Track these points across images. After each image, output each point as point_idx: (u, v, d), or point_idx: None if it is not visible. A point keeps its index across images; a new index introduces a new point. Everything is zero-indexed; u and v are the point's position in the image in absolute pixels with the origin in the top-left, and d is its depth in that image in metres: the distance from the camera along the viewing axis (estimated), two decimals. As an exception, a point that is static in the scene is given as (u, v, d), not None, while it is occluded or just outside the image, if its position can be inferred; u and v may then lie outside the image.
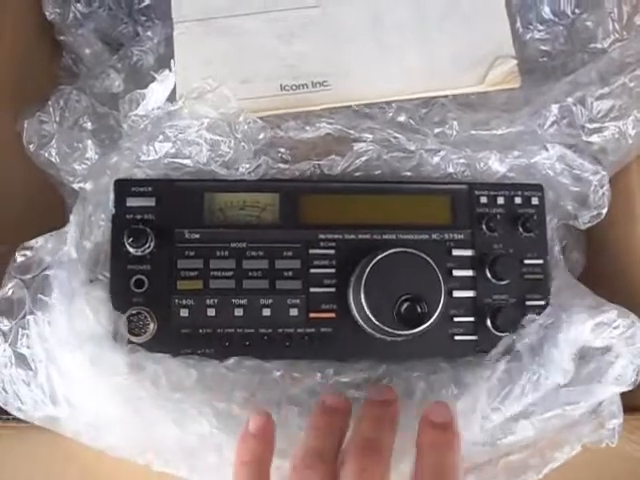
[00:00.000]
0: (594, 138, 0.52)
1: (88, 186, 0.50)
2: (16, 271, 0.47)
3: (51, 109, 0.54)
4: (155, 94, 0.49)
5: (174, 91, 0.51)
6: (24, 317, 0.46)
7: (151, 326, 0.47)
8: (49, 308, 0.45)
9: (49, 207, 0.56)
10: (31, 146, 0.53)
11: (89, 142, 0.53)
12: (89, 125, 0.54)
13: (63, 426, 0.45)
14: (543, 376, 0.45)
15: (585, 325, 0.46)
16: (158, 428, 0.44)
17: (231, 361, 0.46)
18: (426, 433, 0.40)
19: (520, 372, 0.46)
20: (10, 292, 0.47)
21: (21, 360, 0.45)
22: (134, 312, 0.47)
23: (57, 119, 0.54)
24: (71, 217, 0.49)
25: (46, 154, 0.53)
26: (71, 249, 0.47)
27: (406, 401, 0.46)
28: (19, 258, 0.48)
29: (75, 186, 0.53)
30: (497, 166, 0.52)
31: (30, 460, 0.50)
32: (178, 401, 0.44)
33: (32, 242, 0.48)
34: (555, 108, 0.52)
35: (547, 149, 0.52)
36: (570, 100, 0.51)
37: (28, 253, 0.48)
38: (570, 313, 0.47)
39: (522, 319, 0.49)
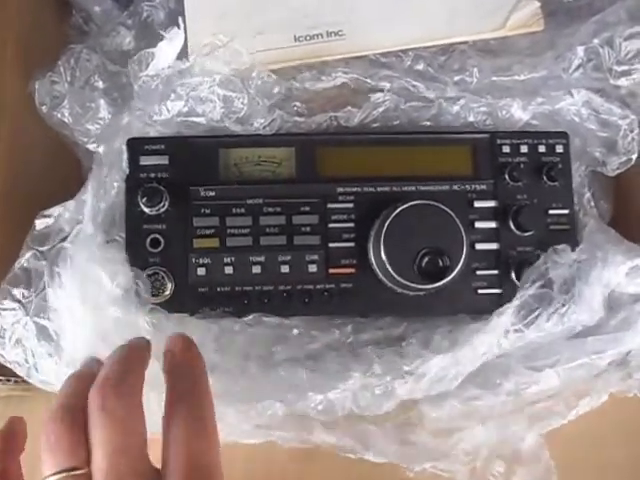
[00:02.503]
0: (622, 81, 0.50)
1: (101, 148, 0.49)
2: (33, 242, 0.47)
3: (62, 69, 0.53)
4: (164, 53, 0.48)
5: (185, 48, 0.49)
6: (43, 289, 0.45)
7: (169, 286, 0.47)
8: (65, 281, 0.44)
9: (66, 169, 0.55)
10: (43, 107, 0.52)
11: (101, 101, 0.52)
12: (100, 84, 0.53)
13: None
14: (571, 310, 0.44)
15: (620, 268, 0.45)
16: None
17: (250, 317, 0.46)
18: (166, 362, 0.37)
19: (550, 300, 0.45)
20: (26, 263, 0.47)
21: (43, 332, 0.45)
22: (151, 272, 0.47)
23: (68, 79, 0.53)
24: (88, 184, 0.48)
25: (59, 115, 0.52)
26: (88, 222, 0.46)
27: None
28: (38, 226, 0.48)
29: (89, 146, 0.52)
30: (520, 113, 0.50)
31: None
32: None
33: (51, 210, 0.48)
34: (581, 50, 0.50)
35: (572, 95, 0.50)
36: (596, 41, 0.49)
37: (48, 221, 0.48)
38: (606, 253, 0.45)
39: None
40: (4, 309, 0.46)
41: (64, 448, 0.33)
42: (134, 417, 0.34)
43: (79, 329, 0.43)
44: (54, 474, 0.33)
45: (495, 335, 0.44)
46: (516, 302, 0.44)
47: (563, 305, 0.44)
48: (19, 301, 0.45)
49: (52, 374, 0.45)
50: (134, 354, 0.37)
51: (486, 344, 0.44)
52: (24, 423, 0.39)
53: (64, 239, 0.46)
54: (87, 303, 0.42)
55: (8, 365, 0.45)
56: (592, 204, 0.52)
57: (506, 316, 0.44)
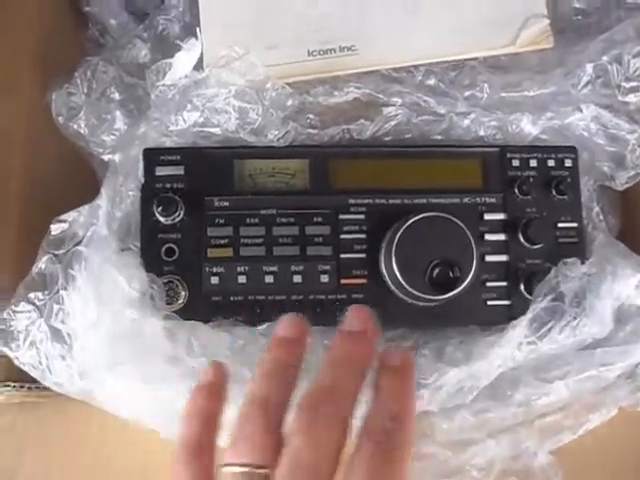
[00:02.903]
0: (630, 97, 0.50)
1: (117, 157, 0.50)
2: (49, 246, 0.48)
3: (78, 80, 0.54)
4: (182, 63, 0.49)
5: (201, 59, 0.50)
6: (58, 292, 0.46)
7: (182, 294, 0.48)
8: (80, 284, 0.45)
9: (79, 178, 0.56)
10: (60, 118, 0.53)
11: (117, 113, 0.53)
12: (117, 96, 0.54)
13: (98, 399, 0.45)
14: (583, 323, 0.44)
15: (630, 280, 0.45)
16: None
17: (264, 326, 0.46)
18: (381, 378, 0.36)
19: (562, 313, 0.45)
20: (43, 267, 0.47)
21: (56, 335, 0.45)
22: (165, 281, 0.47)
23: (85, 90, 0.54)
24: (102, 190, 0.49)
25: (75, 126, 0.53)
26: (102, 225, 0.47)
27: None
28: (54, 231, 0.48)
29: (104, 157, 0.53)
30: (529, 128, 0.51)
31: (66, 428, 0.51)
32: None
33: (66, 215, 0.49)
34: (589, 67, 0.50)
35: (581, 110, 0.51)
36: (605, 59, 0.50)
37: (63, 226, 0.48)
38: (615, 266, 0.46)
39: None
40: (19, 312, 0.46)
41: (258, 443, 0.33)
42: (336, 441, 0.33)
43: (93, 331, 0.43)
44: (239, 465, 0.33)
45: (510, 348, 0.44)
46: (529, 315, 0.44)
47: (575, 318, 0.44)
48: (34, 304, 0.46)
49: (65, 376, 0.45)
50: (358, 374, 0.36)
51: (501, 357, 0.44)
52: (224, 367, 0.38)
53: (78, 243, 0.47)
54: (102, 305, 0.43)
55: (22, 367, 0.46)
56: (601, 218, 0.53)
57: (520, 329, 0.44)
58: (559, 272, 0.46)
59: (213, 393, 0.37)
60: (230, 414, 0.37)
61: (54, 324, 0.46)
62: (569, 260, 0.46)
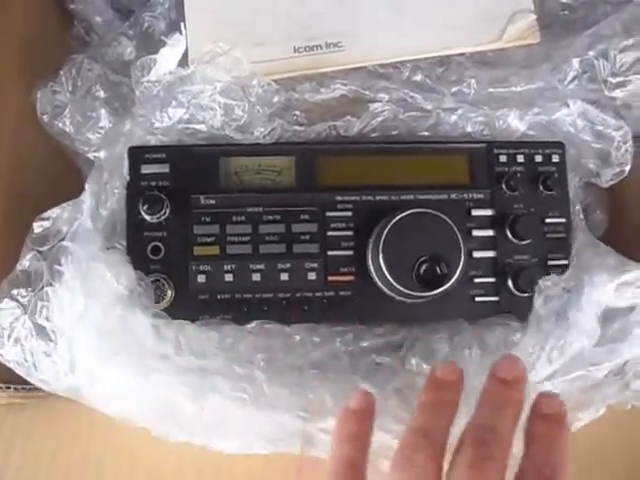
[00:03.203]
0: (617, 93, 0.51)
1: (102, 154, 0.50)
2: (33, 243, 0.48)
3: (63, 79, 0.54)
4: (167, 59, 0.49)
5: (186, 56, 0.50)
6: (42, 289, 0.46)
7: (169, 293, 0.47)
8: (67, 278, 0.45)
9: (65, 177, 0.56)
10: (45, 116, 0.53)
11: (102, 111, 0.53)
12: (102, 94, 0.54)
13: (85, 396, 0.45)
14: (568, 342, 0.44)
15: (607, 287, 0.45)
16: (180, 397, 0.44)
17: (252, 325, 0.46)
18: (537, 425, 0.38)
19: (545, 338, 0.45)
20: (27, 264, 0.47)
21: (41, 332, 0.45)
22: (151, 279, 0.47)
23: (70, 88, 0.53)
24: (86, 186, 0.48)
25: (60, 124, 0.52)
26: (87, 219, 0.46)
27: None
28: (36, 229, 0.48)
29: (90, 155, 0.52)
30: (517, 124, 0.51)
31: (55, 428, 0.51)
32: (200, 369, 0.44)
33: (49, 212, 0.48)
34: (576, 62, 0.50)
35: (568, 105, 0.51)
36: (592, 54, 0.50)
37: (45, 224, 0.48)
38: (591, 275, 0.46)
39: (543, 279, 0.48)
40: (3, 309, 0.46)
41: (430, 472, 0.35)
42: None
43: (81, 325, 0.43)
44: None
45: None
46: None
47: (559, 339, 0.44)
48: (17, 300, 0.46)
49: (51, 373, 0.45)
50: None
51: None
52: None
53: (63, 239, 0.46)
54: (90, 299, 0.42)
55: (7, 364, 0.45)
56: (581, 216, 0.52)
57: None
58: (539, 296, 0.45)
59: (364, 418, 0.39)
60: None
61: (39, 321, 0.45)
62: (547, 281, 0.46)
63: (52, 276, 0.45)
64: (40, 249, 0.47)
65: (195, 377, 0.44)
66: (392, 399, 0.44)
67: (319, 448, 0.44)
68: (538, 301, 0.45)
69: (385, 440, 0.42)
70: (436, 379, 0.40)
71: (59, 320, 0.44)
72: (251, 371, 0.44)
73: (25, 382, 0.47)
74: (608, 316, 0.46)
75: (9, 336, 0.45)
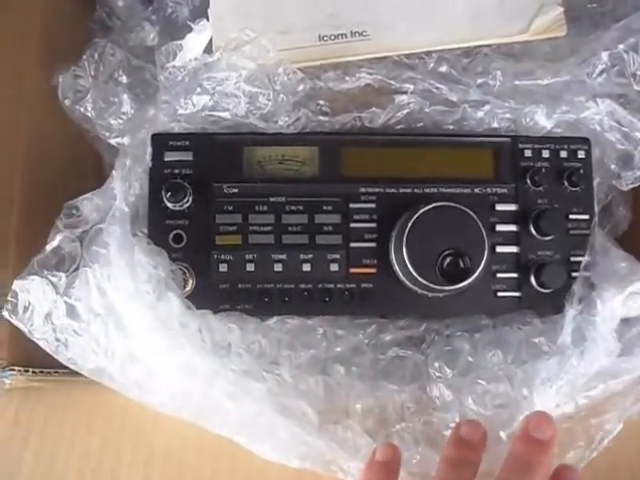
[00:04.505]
0: (647, 87, 0.50)
1: (126, 140, 0.49)
2: (65, 226, 0.48)
3: (86, 63, 0.53)
4: (193, 44, 0.49)
5: (211, 42, 0.50)
6: (76, 270, 0.46)
7: (190, 282, 0.47)
8: (108, 261, 0.44)
9: (85, 161, 0.55)
10: (66, 101, 0.52)
11: (125, 96, 0.52)
12: (124, 79, 0.53)
13: (111, 379, 0.45)
14: (588, 362, 0.44)
15: (615, 300, 0.44)
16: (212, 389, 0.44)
17: (274, 320, 0.46)
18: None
19: (564, 365, 0.44)
20: (58, 245, 0.47)
21: (73, 311, 0.45)
22: (173, 268, 0.47)
23: (92, 73, 0.53)
24: (114, 172, 0.48)
25: (82, 109, 0.52)
26: (122, 203, 0.46)
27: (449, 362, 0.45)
28: (65, 216, 0.48)
29: (111, 141, 0.52)
30: (543, 121, 0.50)
31: (73, 414, 0.51)
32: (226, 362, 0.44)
33: (77, 201, 0.48)
34: (605, 56, 0.49)
35: (597, 103, 0.50)
36: (621, 47, 0.49)
37: (74, 211, 0.48)
38: (600, 291, 0.45)
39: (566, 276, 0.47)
40: (34, 287, 0.45)
41: None
42: None
43: (111, 310, 0.43)
44: None
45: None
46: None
47: (579, 361, 0.44)
48: (48, 279, 0.45)
49: (79, 352, 0.45)
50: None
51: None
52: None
53: (98, 223, 0.46)
54: (133, 281, 0.42)
55: (36, 341, 0.45)
56: (595, 219, 0.51)
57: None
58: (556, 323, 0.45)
59: (389, 470, 0.40)
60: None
61: (71, 301, 0.45)
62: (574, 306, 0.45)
63: (90, 257, 0.45)
64: (73, 231, 0.46)
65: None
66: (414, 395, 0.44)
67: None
68: (567, 330, 0.45)
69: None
70: (460, 437, 0.40)
71: (97, 301, 0.44)
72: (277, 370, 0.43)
73: (43, 365, 0.47)
74: (622, 327, 0.45)
75: (39, 314, 0.45)
